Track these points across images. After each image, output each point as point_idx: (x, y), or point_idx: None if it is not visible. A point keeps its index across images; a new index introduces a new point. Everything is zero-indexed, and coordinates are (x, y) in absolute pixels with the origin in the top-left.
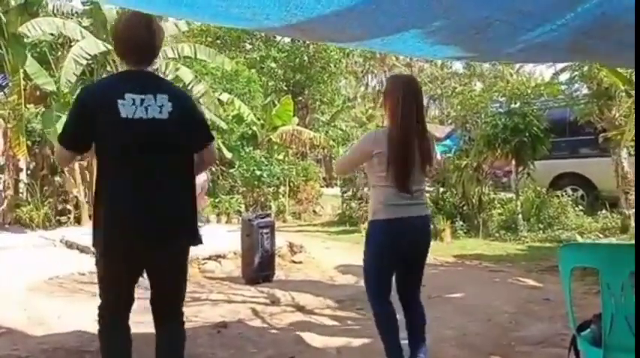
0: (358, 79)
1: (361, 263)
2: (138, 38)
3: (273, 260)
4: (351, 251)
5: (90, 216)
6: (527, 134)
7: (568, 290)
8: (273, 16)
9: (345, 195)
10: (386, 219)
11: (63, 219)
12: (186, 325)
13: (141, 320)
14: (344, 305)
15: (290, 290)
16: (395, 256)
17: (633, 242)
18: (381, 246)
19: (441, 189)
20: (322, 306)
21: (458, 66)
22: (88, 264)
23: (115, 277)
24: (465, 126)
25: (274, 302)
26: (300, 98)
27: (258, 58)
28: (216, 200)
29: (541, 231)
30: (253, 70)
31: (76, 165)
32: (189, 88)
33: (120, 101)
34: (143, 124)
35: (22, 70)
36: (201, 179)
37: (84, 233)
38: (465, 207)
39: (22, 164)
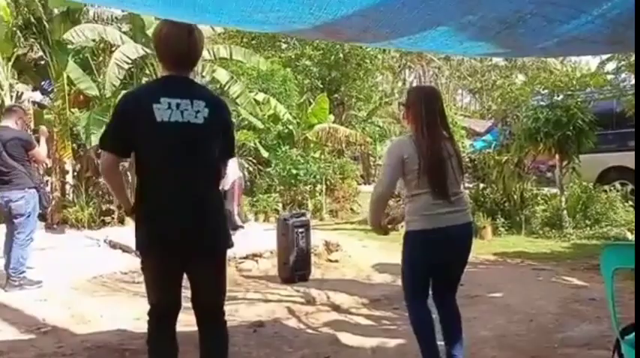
0: (395, 74)
1: (397, 261)
2: (178, 48)
3: (309, 259)
4: (388, 249)
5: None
6: (570, 127)
7: (610, 293)
8: (296, 18)
9: None
10: (421, 229)
11: (107, 219)
12: None
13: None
14: (380, 304)
15: (326, 290)
16: (432, 267)
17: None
18: (417, 259)
19: (481, 186)
20: (358, 305)
21: (498, 58)
22: (129, 263)
23: (157, 280)
24: (506, 120)
25: (310, 301)
26: (336, 95)
27: (293, 57)
28: (254, 199)
29: (588, 228)
30: (289, 69)
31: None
32: (225, 88)
33: (155, 105)
34: (178, 128)
35: (65, 76)
36: (235, 177)
37: (126, 233)
38: (506, 204)
39: (68, 166)
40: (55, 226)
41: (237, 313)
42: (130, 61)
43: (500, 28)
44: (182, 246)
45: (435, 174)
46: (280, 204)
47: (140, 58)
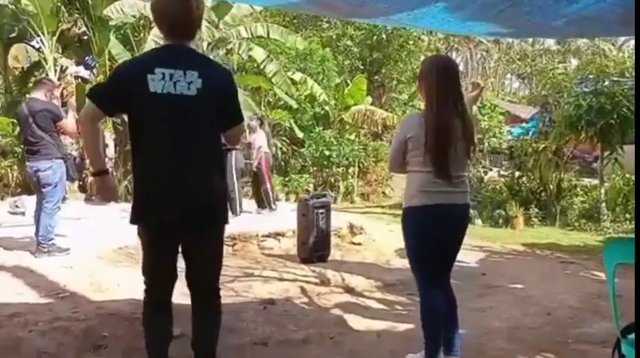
0: None
1: None
2: (173, 14)
3: (329, 240)
4: None
5: None
6: (614, 116)
7: (612, 288)
8: None
9: None
10: (421, 205)
11: None
12: (235, 299)
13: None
14: (394, 289)
15: (343, 271)
16: (436, 243)
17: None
18: (421, 236)
19: (517, 174)
20: (372, 289)
21: (550, 42)
22: None
23: (153, 253)
24: (546, 106)
25: (324, 282)
26: (377, 77)
27: (334, 37)
28: (286, 179)
29: (627, 222)
30: (328, 49)
31: None
32: (262, 67)
33: (150, 75)
34: (170, 100)
35: (107, 52)
36: (262, 153)
37: None
38: (542, 194)
39: (109, 140)
40: (93, 198)
41: (250, 290)
42: None
43: (504, 5)
44: (177, 223)
45: (439, 155)
46: (312, 186)
47: None
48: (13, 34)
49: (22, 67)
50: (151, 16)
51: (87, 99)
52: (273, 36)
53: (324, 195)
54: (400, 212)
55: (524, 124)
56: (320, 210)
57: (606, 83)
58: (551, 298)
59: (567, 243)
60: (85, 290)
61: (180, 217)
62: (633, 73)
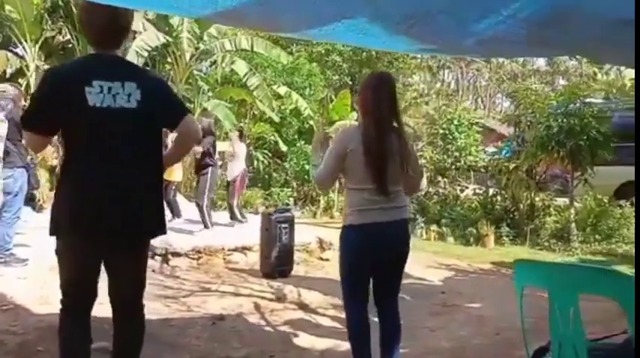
0: (433, 74)
1: None
2: (99, 22)
3: (292, 255)
4: None
5: None
6: (584, 137)
7: (520, 311)
8: (196, 2)
9: None
10: (357, 224)
11: None
12: (185, 314)
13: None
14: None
15: (302, 287)
16: (368, 264)
17: (584, 263)
18: (352, 256)
19: (491, 192)
20: (327, 306)
21: (541, 62)
22: None
23: (74, 270)
24: (519, 126)
25: (280, 298)
26: None
27: (323, 52)
28: (267, 192)
29: (596, 243)
30: (314, 64)
31: None
32: (243, 80)
33: (87, 88)
34: (111, 113)
35: None
36: (240, 169)
37: None
38: (516, 213)
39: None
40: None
41: (203, 305)
42: (149, 48)
43: (410, 23)
44: (104, 240)
45: (378, 170)
46: (292, 199)
47: (162, 46)
48: None
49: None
50: (133, 27)
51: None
52: (257, 49)
53: (288, 210)
54: None
55: (499, 143)
56: (283, 225)
57: (577, 105)
58: (505, 318)
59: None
60: (32, 303)
61: (110, 231)
62: (617, 96)
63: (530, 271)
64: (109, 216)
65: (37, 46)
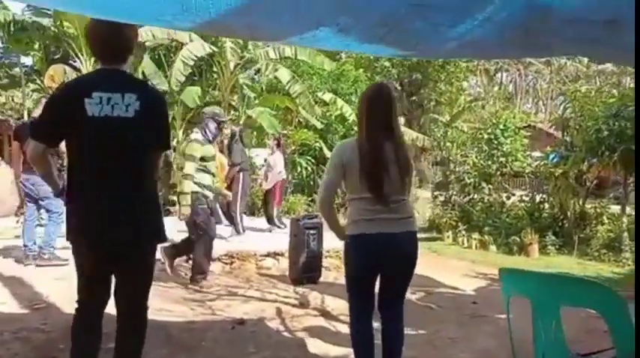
0: (490, 77)
1: (421, 272)
2: (103, 37)
3: (320, 261)
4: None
5: None
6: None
7: (508, 321)
8: (179, 16)
9: (436, 199)
10: (357, 234)
11: (172, 209)
12: (207, 318)
13: (169, 308)
14: (374, 315)
15: (327, 294)
16: (369, 273)
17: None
18: (355, 265)
19: (538, 199)
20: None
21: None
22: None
23: (85, 275)
24: (567, 130)
25: (303, 304)
26: (414, 98)
27: (372, 58)
28: (309, 198)
29: None
30: (361, 70)
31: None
32: (286, 88)
33: (87, 99)
34: (108, 122)
35: (140, 71)
36: (280, 178)
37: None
38: (564, 221)
39: None
40: None
41: (227, 309)
42: (195, 58)
43: (384, 30)
44: (106, 244)
45: (373, 180)
46: (335, 206)
47: (208, 55)
48: (57, 55)
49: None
50: (180, 39)
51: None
52: (301, 57)
53: (316, 216)
54: (419, 236)
55: (547, 148)
56: (311, 231)
57: (629, 107)
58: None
59: (580, 274)
60: (64, 303)
61: (112, 241)
62: None
63: (515, 281)
64: (111, 226)
65: (92, 59)
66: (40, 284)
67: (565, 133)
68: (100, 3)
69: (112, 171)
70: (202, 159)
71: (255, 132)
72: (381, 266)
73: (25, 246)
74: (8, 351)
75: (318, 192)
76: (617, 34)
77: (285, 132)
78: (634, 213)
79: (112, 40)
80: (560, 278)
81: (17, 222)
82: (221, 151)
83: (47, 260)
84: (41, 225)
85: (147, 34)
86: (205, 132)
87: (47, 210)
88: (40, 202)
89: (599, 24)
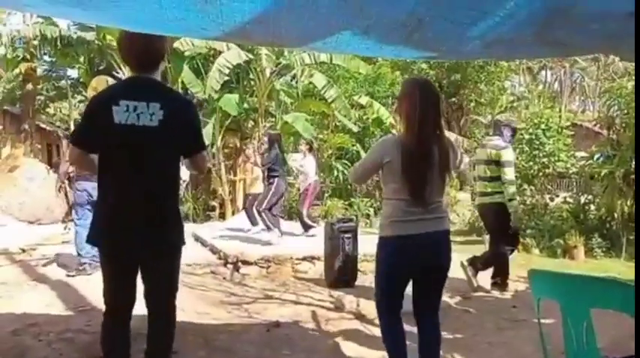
0: (533, 75)
1: (460, 277)
2: (136, 48)
3: (355, 265)
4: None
5: (232, 213)
6: None
7: (539, 324)
8: (208, 26)
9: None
10: (394, 235)
11: (212, 214)
12: (244, 320)
13: (207, 311)
14: (409, 319)
15: (362, 298)
16: (406, 277)
17: (596, 274)
18: (390, 267)
19: (582, 200)
20: None
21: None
22: (198, 255)
23: (110, 277)
24: (613, 128)
25: (338, 307)
26: (454, 99)
27: (408, 60)
28: (346, 202)
29: None
30: (397, 73)
31: (222, 166)
32: (322, 92)
33: (115, 107)
34: (134, 131)
35: (180, 80)
36: (311, 180)
37: (219, 228)
38: (612, 223)
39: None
40: None
41: (264, 312)
42: (231, 66)
43: (405, 31)
44: (133, 250)
45: (416, 181)
46: (372, 210)
47: (245, 63)
48: (101, 67)
49: None
50: (217, 47)
51: None
52: (336, 61)
53: (351, 220)
54: (459, 239)
55: (593, 147)
56: (346, 235)
57: None
58: None
59: (627, 278)
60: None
61: (137, 245)
62: None
63: (544, 282)
64: (136, 231)
65: None
66: (86, 288)
67: (611, 132)
68: (134, 18)
69: (137, 177)
70: (497, 163)
71: (292, 138)
72: (418, 264)
73: (78, 254)
74: (54, 351)
75: (352, 170)
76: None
77: (320, 136)
78: None
79: (144, 51)
80: (589, 278)
81: (65, 228)
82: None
83: (97, 267)
84: None
85: (186, 42)
86: (503, 137)
87: None
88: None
89: (622, 16)
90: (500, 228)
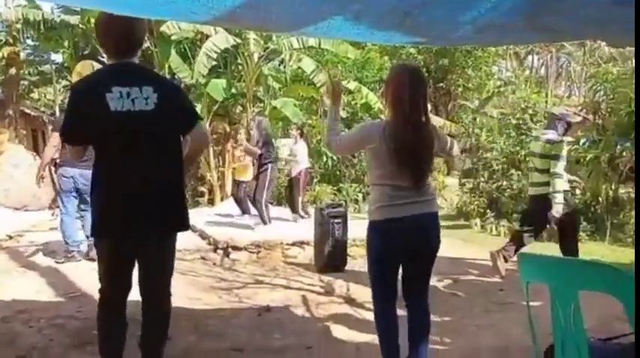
0: (520, 60)
1: (448, 259)
2: (115, 32)
3: (345, 250)
4: (449, 247)
5: (221, 199)
6: None
7: (528, 307)
8: (198, 10)
9: (464, 187)
10: (381, 219)
11: (200, 200)
12: (235, 305)
13: (198, 297)
14: (399, 302)
15: (352, 282)
16: (395, 261)
17: (586, 258)
18: (379, 253)
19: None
20: None
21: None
22: (187, 242)
23: (106, 263)
24: (599, 113)
25: (328, 292)
26: (442, 84)
27: (396, 45)
28: (335, 187)
29: None
30: (386, 58)
31: (211, 151)
32: (311, 77)
33: (108, 94)
34: (131, 116)
35: (167, 65)
36: (303, 166)
37: (208, 214)
38: (597, 207)
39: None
40: None
41: (255, 296)
42: (219, 51)
43: (398, 16)
44: (131, 236)
45: (406, 167)
46: (361, 195)
47: (233, 47)
48: (86, 52)
49: None
50: (205, 31)
51: None
52: (324, 46)
53: (340, 205)
54: (447, 223)
55: (579, 132)
56: (336, 220)
57: None
58: None
59: (611, 260)
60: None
61: (135, 231)
62: None
63: (533, 266)
64: (135, 214)
65: None
66: (75, 275)
67: (597, 117)
68: (122, 0)
69: (138, 162)
70: (549, 156)
71: (280, 123)
72: (407, 247)
73: (66, 242)
74: (44, 337)
75: (336, 140)
76: (628, 15)
77: (309, 121)
78: None
79: (127, 36)
80: (576, 262)
81: (52, 215)
82: (248, 141)
83: (90, 250)
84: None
85: (173, 26)
86: (557, 131)
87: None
88: (86, 196)
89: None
90: (537, 218)
